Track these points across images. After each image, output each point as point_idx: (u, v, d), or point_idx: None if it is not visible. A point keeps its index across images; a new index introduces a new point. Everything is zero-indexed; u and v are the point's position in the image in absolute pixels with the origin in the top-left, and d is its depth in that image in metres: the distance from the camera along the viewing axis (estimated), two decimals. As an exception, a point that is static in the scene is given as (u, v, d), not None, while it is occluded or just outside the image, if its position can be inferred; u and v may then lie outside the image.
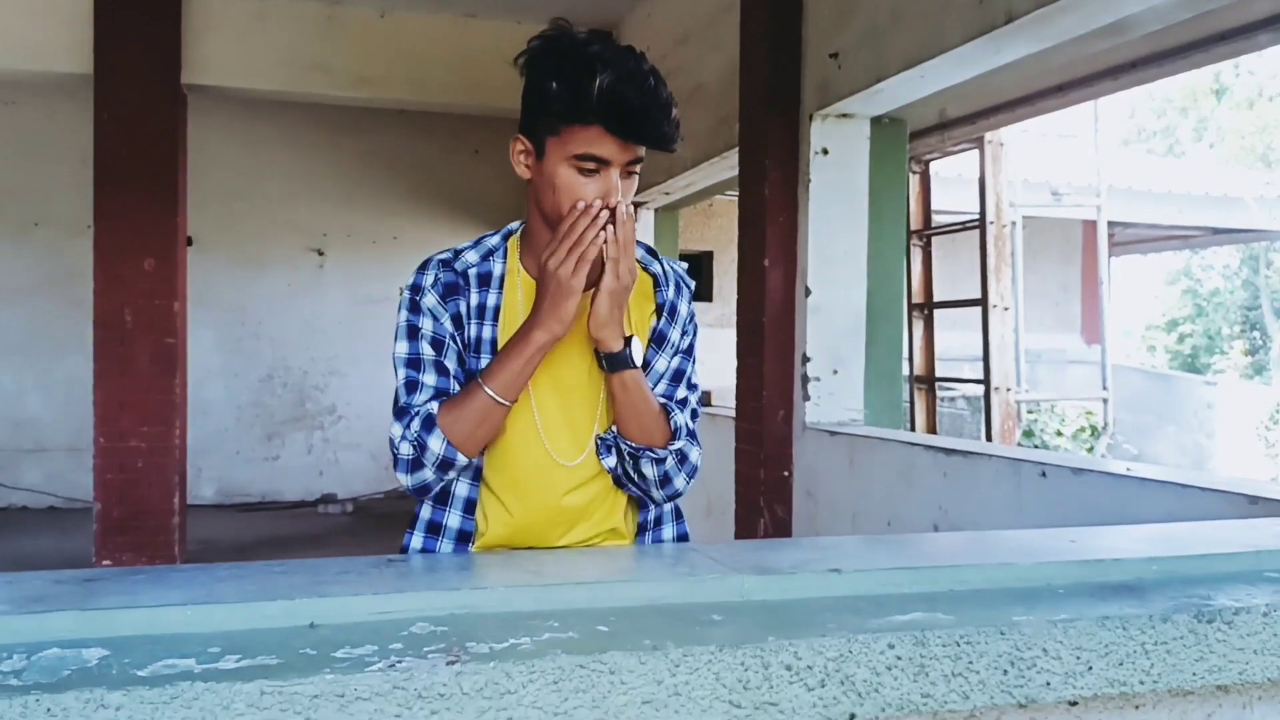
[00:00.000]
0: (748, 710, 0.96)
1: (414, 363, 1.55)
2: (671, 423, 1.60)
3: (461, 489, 1.57)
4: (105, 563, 5.32)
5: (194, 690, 0.81)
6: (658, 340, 1.63)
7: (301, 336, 8.78)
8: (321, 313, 8.80)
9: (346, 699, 0.84)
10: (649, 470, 1.58)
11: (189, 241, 5.99)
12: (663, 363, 1.63)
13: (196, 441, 6.81)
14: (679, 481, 1.62)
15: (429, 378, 1.54)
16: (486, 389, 1.48)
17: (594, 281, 1.50)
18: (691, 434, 1.66)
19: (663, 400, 1.62)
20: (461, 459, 1.50)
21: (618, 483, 1.64)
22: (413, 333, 1.55)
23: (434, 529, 1.59)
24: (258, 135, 8.45)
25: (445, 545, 1.58)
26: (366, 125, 8.55)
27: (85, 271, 5.40)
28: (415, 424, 1.50)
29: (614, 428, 1.59)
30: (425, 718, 0.87)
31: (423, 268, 1.58)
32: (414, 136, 8.75)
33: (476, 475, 1.57)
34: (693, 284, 1.71)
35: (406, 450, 1.50)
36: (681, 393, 1.68)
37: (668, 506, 1.69)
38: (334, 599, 1.01)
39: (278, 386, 8.78)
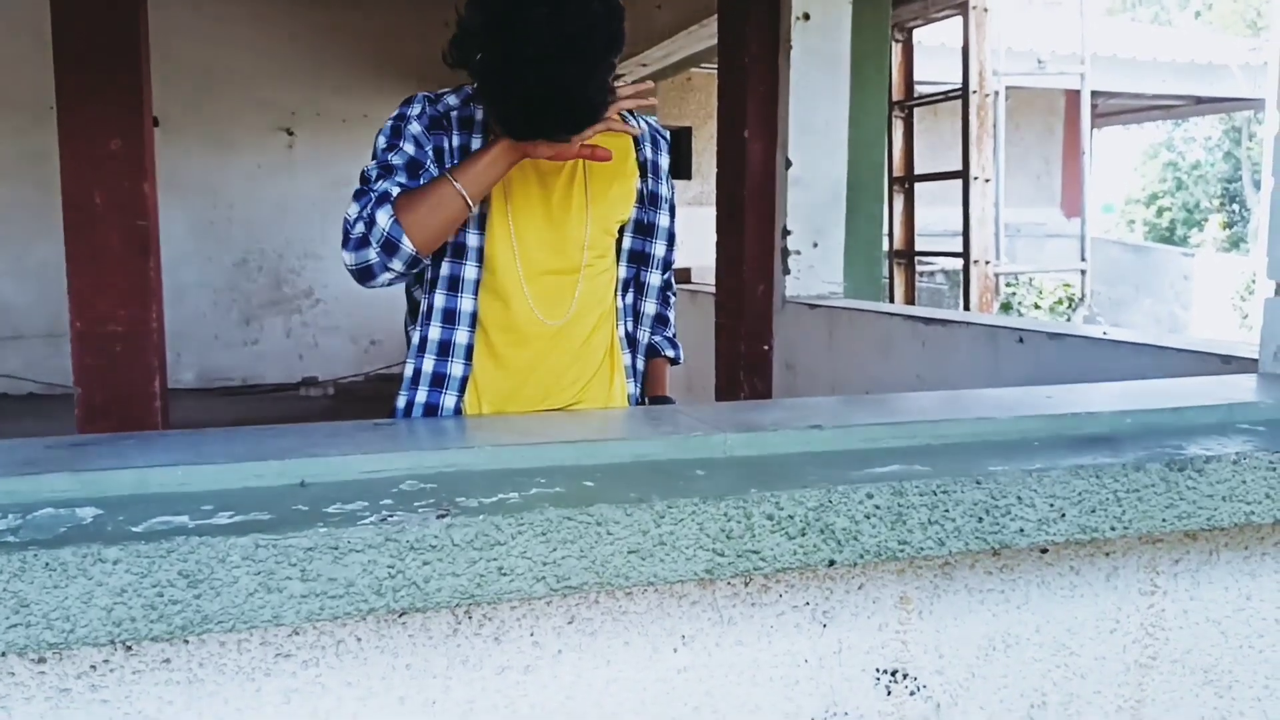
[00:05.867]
0: (730, 559, 0.99)
1: (387, 159, 1.54)
2: (675, 356, 1.89)
3: (462, 337, 1.60)
4: (91, 447, 5.31)
5: (189, 544, 0.83)
6: (653, 200, 1.69)
7: (274, 219, 8.64)
8: (294, 194, 8.65)
9: (340, 551, 0.86)
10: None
11: (155, 122, 5.82)
12: (664, 219, 1.71)
13: (174, 326, 6.75)
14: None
15: (400, 176, 1.52)
16: (448, 175, 1.48)
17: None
18: (669, 299, 1.87)
19: (658, 338, 1.85)
20: (407, 246, 1.47)
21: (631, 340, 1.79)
22: (394, 136, 1.56)
23: (439, 381, 1.61)
24: (220, 11, 8.15)
25: (449, 398, 1.60)
26: (332, -2, 8.26)
27: (51, 153, 5.25)
28: (371, 201, 1.48)
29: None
30: (418, 568, 0.89)
31: (408, 101, 1.59)
32: (382, 9, 8.46)
33: (474, 322, 1.60)
34: (667, 134, 1.75)
35: (358, 228, 1.48)
36: (674, 253, 1.82)
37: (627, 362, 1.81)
38: (324, 459, 1.02)
39: (253, 270, 8.69)
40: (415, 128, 1.56)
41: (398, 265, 1.49)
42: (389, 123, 1.57)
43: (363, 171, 1.54)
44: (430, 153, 1.55)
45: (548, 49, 1.33)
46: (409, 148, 1.54)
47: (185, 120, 8.10)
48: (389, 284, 1.53)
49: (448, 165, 1.55)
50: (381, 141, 1.56)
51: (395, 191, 1.49)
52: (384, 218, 1.46)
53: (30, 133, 7.61)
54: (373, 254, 1.48)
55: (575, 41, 1.34)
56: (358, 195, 1.51)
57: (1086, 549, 1.22)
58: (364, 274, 1.51)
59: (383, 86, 8.66)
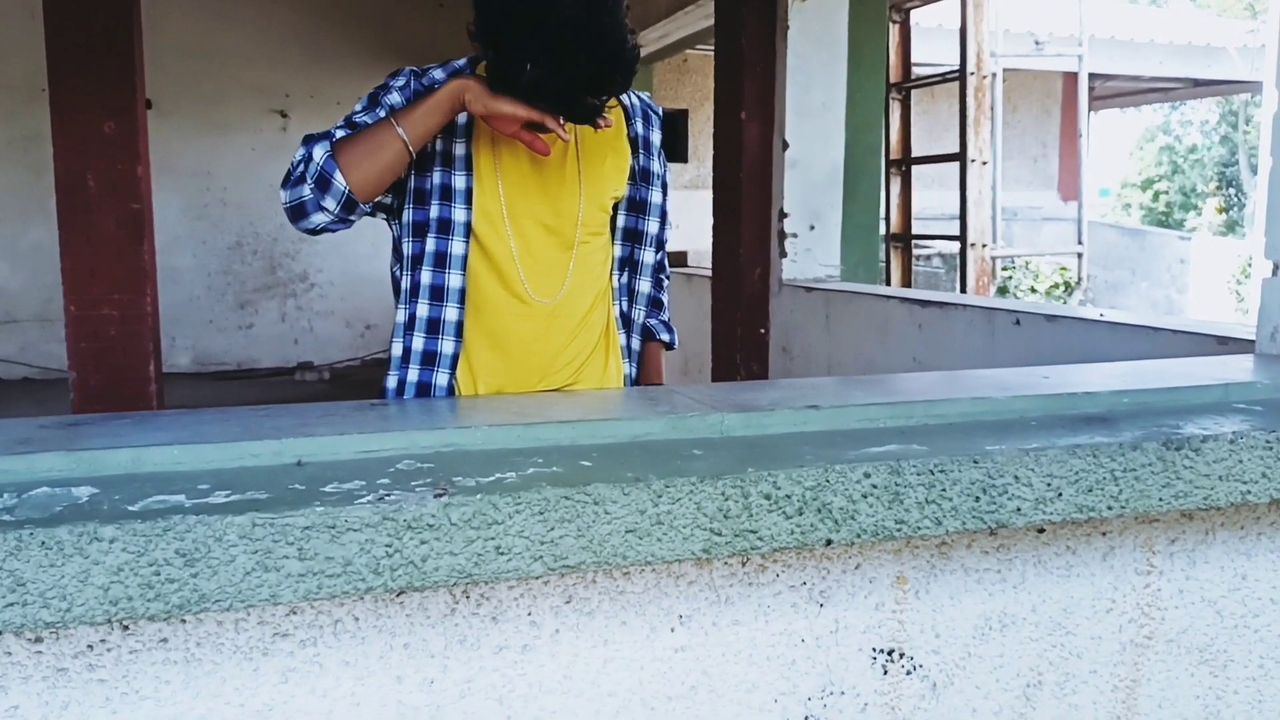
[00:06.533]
0: (728, 538, 0.99)
1: (354, 118, 1.54)
2: (670, 340, 1.86)
3: (451, 314, 1.59)
4: (86, 430, 5.30)
5: (186, 523, 0.82)
6: (645, 177, 1.68)
7: (268, 202, 8.59)
8: (289, 177, 8.60)
9: (338, 530, 0.86)
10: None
11: (148, 104, 5.79)
12: (656, 195, 1.70)
13: (169, 310, 6.74)
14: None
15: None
16: (391, 117, 1.47)
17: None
18: (662, 282, 1.84)
19: (651, 320, 1.83)
20: (339, 181, 1.45)
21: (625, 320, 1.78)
22: (371, 103, 1.56)
23: (430, 359, 1.59)
24: (213, -10, 8.10)
25: (441, 376, 1.59)
26: (326, -22, 8.21)
27: (43, 136, 5.23)
28: (315, 141, 1.49)
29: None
30: (415, 547, 0.89)
31: (394, 74, 1.59)
32: (376, -11, 8.42)
33: (462, 299, 1.59)
34: (660, 111, 1.74)
35: (298, 167, 1.48)
36: (667, 232, 1.80)
37: (622, 343, 1.79)
38: (320, 438, 1.02)
39: (247, 254, 8.66)
40: (395, 97, 1.55)
41: (330, 204, 1.47)
42: (370, 91, 1.58)
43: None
44: None
45: (584, 21, 1.34)
46: (382, 113, 1.54)
47: (178, 103, 8.05)
48: (322, 228, 1.50)
49: (434, 143, 1.56)
50: (358, 105, 1.57)
51: (340, 134, 1.49)
52: (320, 153, 1.46)
53: (22, 115, 7.57)
54: (306, 190, 1.46)
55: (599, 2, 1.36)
56: (306, 139, 1.51)
57: (1083, 529, 1.22)
58: (297, 211, 1.49)
59: (377, 68, 8.61)
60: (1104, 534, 1.23)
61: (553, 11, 1.33)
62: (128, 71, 5.33)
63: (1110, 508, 1.13)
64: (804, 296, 4.02)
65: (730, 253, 4.38)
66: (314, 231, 1.51)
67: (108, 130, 5.23)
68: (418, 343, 1.59)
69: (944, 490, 1.06)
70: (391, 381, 1.61)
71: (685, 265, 5.81)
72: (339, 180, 1.45)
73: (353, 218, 1.51)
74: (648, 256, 1.73)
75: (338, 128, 1.52)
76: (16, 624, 0.79)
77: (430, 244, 1.57)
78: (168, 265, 7.34)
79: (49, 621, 0.80)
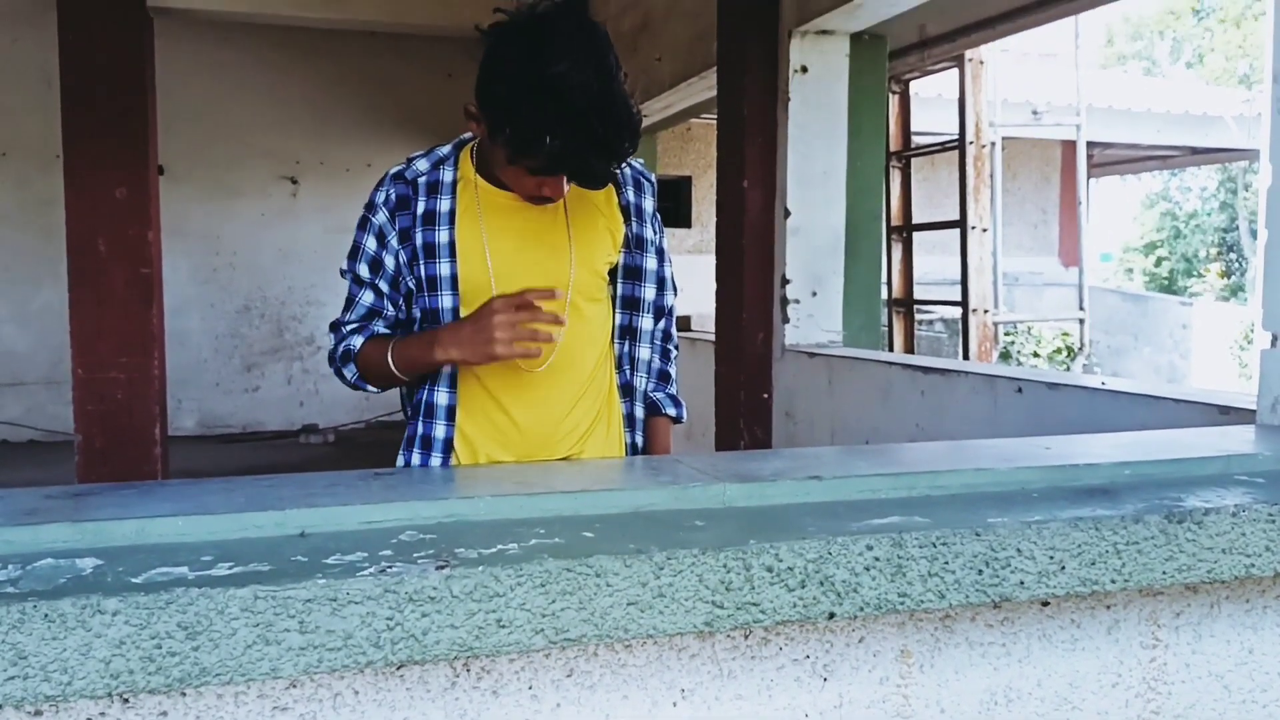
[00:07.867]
0: (730, 610, 0.99)
1: (355, 279, 1.68)
2: (678, 414, 1.84)
3: (442, 398, 1.62)
4: (89, 493, 5.29)
5: (189, 596, 0.83)
6: (639, 244, 1.69)
7: (277, 266, 8.69)
8: (296, 242, 8.71)
9: (339, 603, 0.86)
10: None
11: (160, 170, 5.88)
12: (652, 261, 1.69)
13: (175, 373, 6.78)
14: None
15: (365, 296, 1.68)
16: (389, 358, 1.62)
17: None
18: (669, 353, 1.85)
19: (658, 392, 1.82)
20: (373, 389, 1.72)
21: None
22: (357, 251, 1.67)
23: (426, 443, 1.63)
24: (226, 60, 8.26)
25: (435, 460, 1.62)
26: (337, 48, 8.37)
27: (56, 200, 5.31)
28: (340, 350, 1.69)
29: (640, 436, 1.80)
30: (416, 620, 0.89)
31: (379, 184, 1.67)
32: (386, 60, 8.58)
33: (453, 383, 1.61)
34: (653, 178, 1.76)
35: (336, 366, 1.72)
36: (669, 299, 1.80)
37: (625, 411, 1.80)
38: (323, 509, 1.02)
39: (255, 317, 8.72)
40: (380, 217, 1.63)
41: (374, 392, 1.75)
42: (362, 212, 1.67)
43: (340, 270, 1.71)
44: (394, 242, 1.63)
45: (596, 89, 1.37)
46: (371, 244, 1.65)
47: (190, 169, 8.18)
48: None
49: (418, 234, 1.61)
50: (355, 236, 1.67)
51: (358, 344, 1.67)
52: (350, 374, 1.71)
53: (36, 180, 7.69)
54: (353, 387, 1.74)
55: (604, 65, 1.39)
56: (333, 328, 1.72)
57: (1087, 602, 1.21)
58: (354, 389, 1.76)
59: (386, 137, 8.76)
60: (1108, 607, 1.22)
61: (566, 82, 1.36)
62: (140, 138, 5.42)
63: (1114, 581, 1.12)
64: (807, 362, 4.03)
65: (733, 318, 4.41)
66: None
67: (120, 195, 5.31)
68: (419, 428, 1.66)
69: (947, 563, 1.06)
70: (400, 462, 1.70)
71: (689, 330, 5.84)
72: (372, 389, 1.72)
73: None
74: (646, 323, 1.72)
75: (346, 306, 1.69)
76: (17, 697, 0.79)
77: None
78: (176, 328, 7.40)
79: (49, 695, 0.80)
